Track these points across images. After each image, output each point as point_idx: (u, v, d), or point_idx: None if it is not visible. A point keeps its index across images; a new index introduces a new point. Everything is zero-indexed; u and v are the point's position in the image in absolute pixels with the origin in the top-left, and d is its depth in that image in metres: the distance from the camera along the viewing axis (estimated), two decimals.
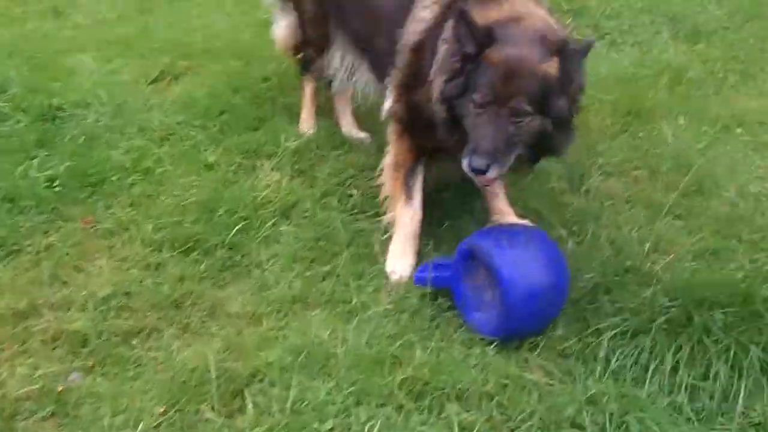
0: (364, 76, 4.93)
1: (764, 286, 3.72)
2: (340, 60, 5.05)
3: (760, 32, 6.97)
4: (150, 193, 4.67)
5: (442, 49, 3.94)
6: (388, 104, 4.41)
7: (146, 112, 5.52)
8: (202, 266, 4.15)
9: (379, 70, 4.56)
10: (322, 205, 4.57)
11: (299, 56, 5.33)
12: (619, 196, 4.69)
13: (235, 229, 4.34)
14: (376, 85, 4.75)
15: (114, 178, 4.79)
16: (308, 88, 5.41)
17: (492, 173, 3.69)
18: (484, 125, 3.67)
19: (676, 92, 5.88)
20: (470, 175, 3.73)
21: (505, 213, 4.46)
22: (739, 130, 5.47)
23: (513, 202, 4.53)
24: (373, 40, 4.60)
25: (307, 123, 5.37)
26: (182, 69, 6.17)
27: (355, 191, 4.66)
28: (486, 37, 3.70)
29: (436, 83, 3.92)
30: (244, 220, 4.40)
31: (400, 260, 4.19)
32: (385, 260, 4.21)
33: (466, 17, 3.72)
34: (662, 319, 3.62)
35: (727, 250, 4.20)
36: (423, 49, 4.13)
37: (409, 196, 4.29)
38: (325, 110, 5.56)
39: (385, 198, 4.40)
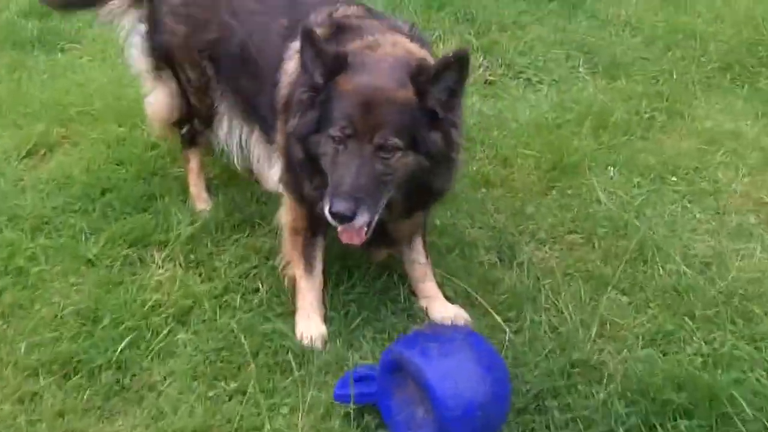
0: (257, 147, 4.46)
1: (728, 379, 3.37)
2: (227, 129, 4.54)
3: (680, 63, 6.68)
4: (23, 301, 4.06)
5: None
6: (276, 171, 4.05)
7: (18, 195, 4.90)
8: (86, 394, 3.56)
9: (269, 135, 4.16)
10: (224, 305, 4.03)
11: (183, 130, 4.74)
12: (556, 269, 4.25)
13: (123, 343, 3.76)
14: (267, 152, 4.31)
15: None
16: (194, 162, 4.85)
17: (360, 220, 3.26)
18: (346, 163, 3.26)
19: (601, 139, 5.52)
20: (333, 223, 3.32)
21: (433, 297, 4.05)
22: (673, 179, 5.15)
23: (439, 283, 4.09)
24: (259, 103, 4.17)
25: (199, 199, 4.81)
26: (58, 138, 5.55)
27: (260, 285, 4.12)
28: (335, 63, 3.33)
29: (290, 123, 3.56)
30: (133, 330, 3.83)
31: (306, 323, 3.86)
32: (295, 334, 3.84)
33: (312, 40, 3.34)
34: (621, 431, 3.20)
35: (681, 329, 3.83)
36: (291, 108, 3.71)
37: (308, 266, 3.92)
38: (222, 181, 5.03)
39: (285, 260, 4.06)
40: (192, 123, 4.68)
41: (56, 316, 3.94)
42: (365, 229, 3.37)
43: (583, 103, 5.99)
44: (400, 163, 3.29)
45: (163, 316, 3.93)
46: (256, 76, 4.11)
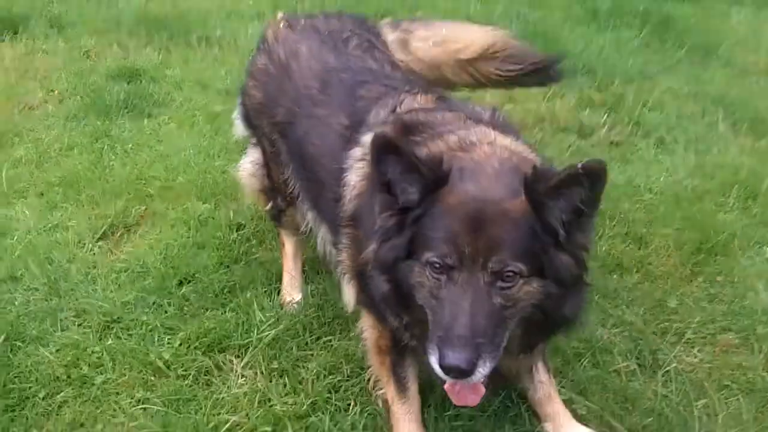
0: (327, 244, 3.89)
1: None
2: (311, 217, 4.00)
3: None
4: (84, 419, 3.60)
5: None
6: (348, 295, 3.47)
7: (88, 285, 4.48)
8: None
9: (335, 238, 3.55)
10: (310, 428, 3.45)
11: (268, 206, 4.29)
12: (708, 381, 3.56)
13: None
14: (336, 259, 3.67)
15: (40, 396, 3.73)
16: (288, 244, 4.36)
17: (481, 372, 2.54)
18: (455, 299, 2.56)
19: (752, 212, 4.81)
20: (446, 378, 2.62)
21: (560, 417, 3.40)
22: None
23: (567, 401, 3.48)
24: (321, 204, 3.64)
25: (292, 288, 4.33)
26: (137, 218, 5.13)
27: (352, 402, 3.55)
28: (436, 174, 2.64)
29: (369, 248, 2.86)
30: None
31: None
32: None
33: (398, 151, 2.62)
34: None
35: None
36: (359, 223, 3.15)
37: (401, 387, 3.32)
38: (312, 266, 4.51)
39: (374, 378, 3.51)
40: (276, 199, 4.19)
41: None
42: (483, 382, 2.71)
43: (727, 167, 5.30)
44: (522, 292, 2.59)
45: None
46: (317, 178, 3.58)
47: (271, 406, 3.57)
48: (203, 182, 5.40)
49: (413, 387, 3.33)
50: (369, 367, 3.48)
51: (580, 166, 2.46)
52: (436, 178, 2.63)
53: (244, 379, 3.73)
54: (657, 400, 3.51)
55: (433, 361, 2.57)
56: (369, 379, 3.50)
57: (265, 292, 4.29)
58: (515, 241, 2.56)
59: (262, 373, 3.75)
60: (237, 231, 4.84)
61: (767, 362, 3.71)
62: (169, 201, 5.27)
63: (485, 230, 2.55)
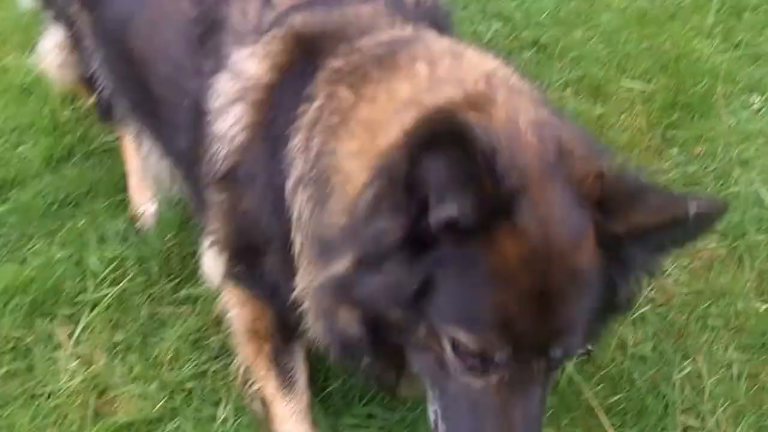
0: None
1: None
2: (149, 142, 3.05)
3: None
4: None
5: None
6: (212, 269, 2.60)
7: None
8: None
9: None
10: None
11: (92, 99, 3.31)
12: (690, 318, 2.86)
13: None
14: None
15: None
16: (129, 137, 3.40)
17: None
18: (497, 417, 1.72)
19: (734, 37, 4.05)
20: None
21: None
22: None
23: None
24: (165, 137, 2.73)
25: (140, 199, 3.46)
26: None
27: (222, 396, 2.79)
28: (508, 198, 1.59)
29: (335, 265, 1.80)
30: None
31: None
32: None
33: (468, 150, 1.50)
34: None
35: None
36: (241, 181, 2.23)
37: (286, 384, 2.57)
38: None
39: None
40: (99, 89, 3.19)
41: None
42: None
43: None
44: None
45: None
46: (155, 93, 2.60)
47: (113, 399, 2.79)
48: (29, 19, 4.27)
49: (302, 378, 2.58)
50: (238, 357, 2.66)
51: (695, 207, 1.61)
52: (504, 205, 1.60)
53: (77, 361, 2.90)
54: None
55: None
56: (238, 369, 2.69)
57: (107, 207, 3.39)
58: (587, 313, 1.71)
59: (102, 349, 2.93)
60: (72, 103, 3.84)
61: (760, 283, 2.97)
62: None
63: (553, 306, 1.65)
